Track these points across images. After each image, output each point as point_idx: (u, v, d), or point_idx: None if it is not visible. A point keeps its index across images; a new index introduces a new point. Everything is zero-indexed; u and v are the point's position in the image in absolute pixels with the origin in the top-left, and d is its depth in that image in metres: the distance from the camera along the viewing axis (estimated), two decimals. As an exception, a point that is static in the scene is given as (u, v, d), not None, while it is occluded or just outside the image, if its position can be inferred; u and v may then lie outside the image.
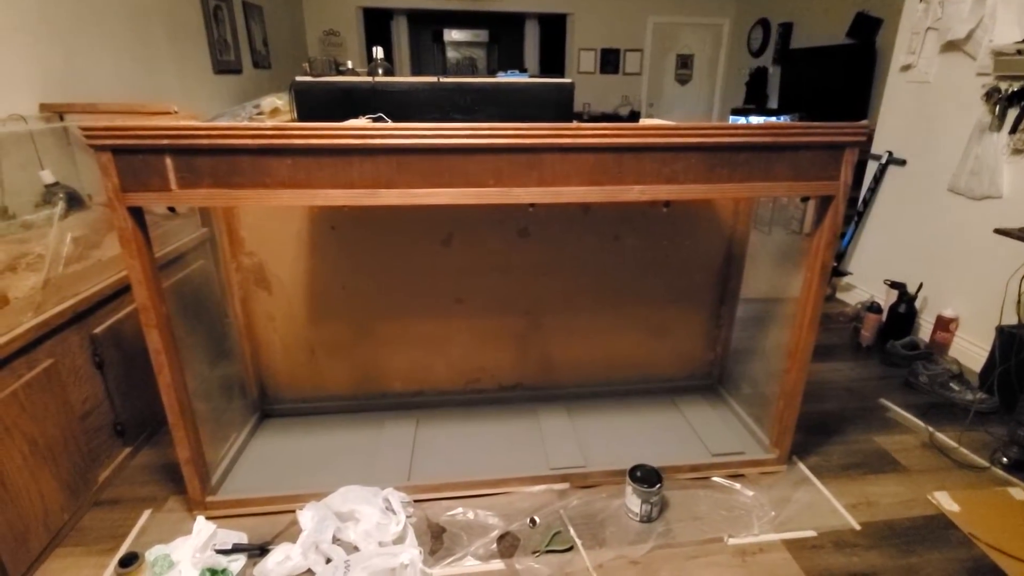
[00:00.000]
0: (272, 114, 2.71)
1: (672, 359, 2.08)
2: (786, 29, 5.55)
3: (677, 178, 1.31)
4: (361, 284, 1.81)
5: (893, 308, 2.60)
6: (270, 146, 1.18)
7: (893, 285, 2.63)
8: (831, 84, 4.70)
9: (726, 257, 1.94)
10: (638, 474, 1.52)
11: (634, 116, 6.65)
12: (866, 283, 3.04)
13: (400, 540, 1.39)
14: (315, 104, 1.97)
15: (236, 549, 1.34)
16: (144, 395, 1.78)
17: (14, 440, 1.27)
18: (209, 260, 2.21)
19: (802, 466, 1.74)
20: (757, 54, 6.08)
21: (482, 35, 7.68)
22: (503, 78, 2.06)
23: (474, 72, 7.76)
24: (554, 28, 6.91)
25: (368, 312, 1.85)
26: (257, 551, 1.35)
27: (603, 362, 2.03)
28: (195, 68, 3.26)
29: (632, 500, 1.51)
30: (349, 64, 2.39)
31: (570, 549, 1.41)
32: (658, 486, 1.48)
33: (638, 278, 1.92)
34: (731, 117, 4.28)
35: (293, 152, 1.20)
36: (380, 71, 2.41)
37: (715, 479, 1.67)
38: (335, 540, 1.38)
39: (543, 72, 7.15)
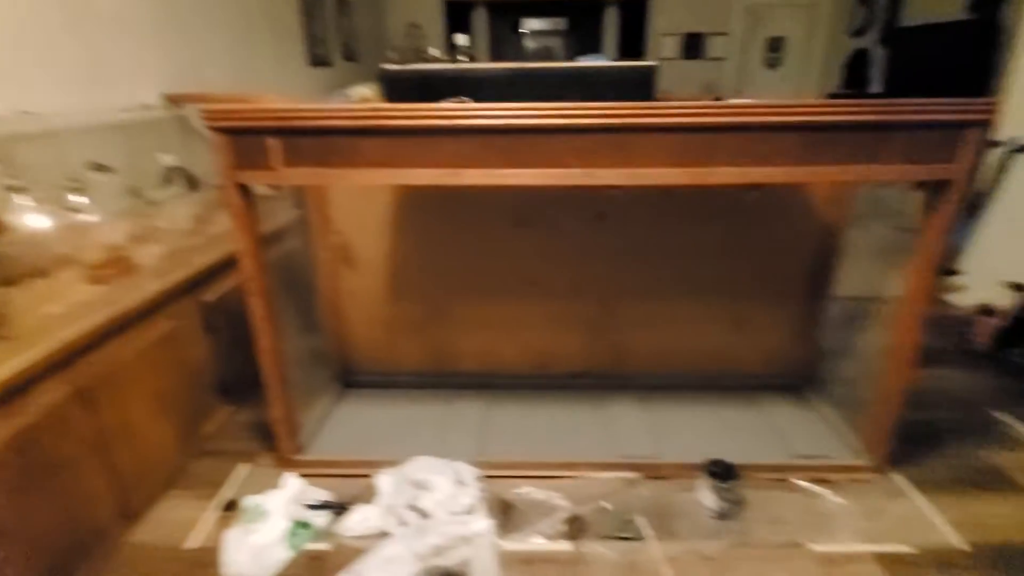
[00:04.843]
0: (361, 102, 2.84)
1: (755, 355, 1.98)
2: (893, 3, 5.06)
3: (771, 160, 1.24)
4: (438, 264, 1.87)
5: (1014, 312, 2.32)
6: (365, 127, 1.25)
7: (1018, 287, 2.35)
8: (946, 65, 4.24)
9: (820, 248, 1.82)
10: (714, 468, 1.47)
11: (717, 104, 6.32)
12: (981, 284, 2.73)
13: (471, 512, 1.43)
14: (402, 91, 2.04)
15: (323, 505, 1.43)
16: (244, 360, 1.93)
17: (141, 391, 1.43)
18: (301, 241, 2.35)
19: (899, 477, 1.61)
20: (858, 34, 5.60)
21: (561, 23, 7.61)
22: (583, 62, 2.04)
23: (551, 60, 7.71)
24: (633, 15, 6.71)
25: (443, 292, 1.90)
26: (340, 509, 1.44)
27: (679, 353, 1.97)
28: (291, 61, 3.48)
29: (706, 495, 1.46)
30: (433, 52, 2.45)
31: (640, 538, 1.39)
32: (735, 482, 1.42)
33: (722, 267, 1.84)
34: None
35: (385, 132, 1.25)
36: (462, 58, 2.47)
37: (798, 482, 1.58)
38: (409, 506, 1.45)
39: (622, 59, 6.97)
